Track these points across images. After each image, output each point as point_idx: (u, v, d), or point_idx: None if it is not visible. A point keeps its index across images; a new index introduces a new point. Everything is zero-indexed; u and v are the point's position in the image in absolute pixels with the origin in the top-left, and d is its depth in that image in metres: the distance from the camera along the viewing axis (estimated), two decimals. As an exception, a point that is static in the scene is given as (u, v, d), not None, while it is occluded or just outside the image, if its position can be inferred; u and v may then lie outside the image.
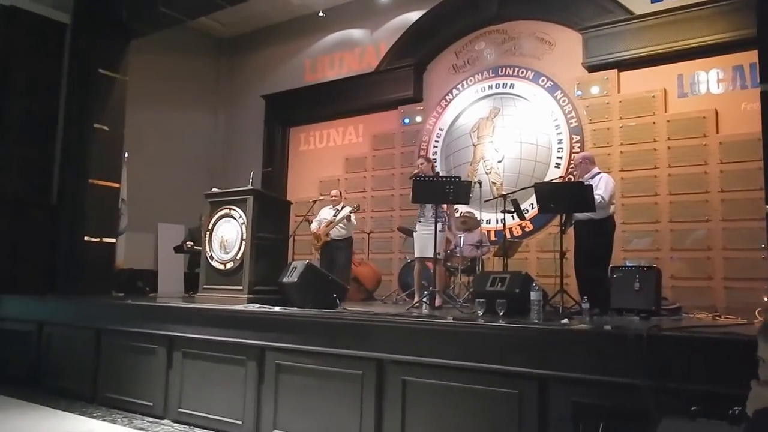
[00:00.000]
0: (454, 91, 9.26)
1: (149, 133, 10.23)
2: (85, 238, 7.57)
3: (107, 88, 8.20)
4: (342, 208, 7.53)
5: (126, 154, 8.82)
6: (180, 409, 5.04)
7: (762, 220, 6.59)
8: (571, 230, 5.80)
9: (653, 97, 7.55)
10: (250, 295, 5.26)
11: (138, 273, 8.14)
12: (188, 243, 8.39)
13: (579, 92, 8.11)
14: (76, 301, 6.51)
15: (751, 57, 6.95)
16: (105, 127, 8.11)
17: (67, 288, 7.29)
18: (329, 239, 7.38)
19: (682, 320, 5.15)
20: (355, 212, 7.40)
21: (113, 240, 7.98)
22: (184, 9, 8.19)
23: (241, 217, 5.45)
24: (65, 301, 6.57)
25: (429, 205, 5.94)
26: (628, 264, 6.15)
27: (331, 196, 7.81)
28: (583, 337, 3.44)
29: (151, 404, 5.25)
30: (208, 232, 5.70)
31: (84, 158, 7.91)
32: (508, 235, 7.14)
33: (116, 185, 8.17)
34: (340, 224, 7.35)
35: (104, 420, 5.12)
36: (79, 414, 5.31)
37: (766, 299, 5.95)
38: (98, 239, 7.78)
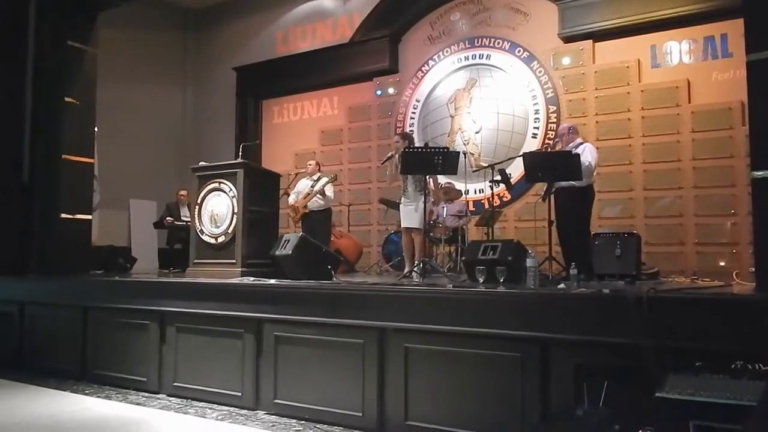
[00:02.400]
0: (430, 62, 9.28)
1: (118, 108, 9.99)
2: (62, 216, 7.39)
3: (77, 60, 7.89)
4: (319, 178, 7.47)
5: (96, 129, 8.59)
6: (176, 383, 5.04)
7: (732, 186, 6.92)
8: (551, 199, 5.94)
9: (627, 67, 7.72)
10: (244, 269, 5.27)
11: (117, 250, 8.00)
12: (168, 218, 8.29)
13: (554, 63, 8.23)
14: (60, 280, 6.39)
15: (721, 28, 7.19)
16: (76, 101, 7.86)
17: (45, 267, 7.13)
18: (307, 211, 7.37)
19: (663, 284, 5.37)
20: (332, 182, 7.37)
21: (89, 216, 7.80)
22: (155, -22, 7.96)
23: (231, 190, 5.42)
24: (48, 281, 6.44)
25: (411, 177, 6.02)
26: (609, 231, 6.37)
27: (308, 166, 7.77)
28: (583, 300, 3.56)
29: (144, 380, 5.24)
30: (197, 206, 5.65)
31: (56, 133, 7.66)
32: (488, 205, 7.28)
33: (90, 161, 7.94)
34: (317, 195, 7.34)
35: (98, 396, 5.10)
36: (71, 392, 5.27)
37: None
38: (73, 216, 7.60)
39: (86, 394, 5.18)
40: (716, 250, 6.95)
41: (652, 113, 7.49)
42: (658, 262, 6.92)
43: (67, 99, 7.74)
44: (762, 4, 3.74)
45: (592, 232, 6.25)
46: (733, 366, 2.70)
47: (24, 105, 7.82)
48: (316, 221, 7.29)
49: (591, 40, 7.97)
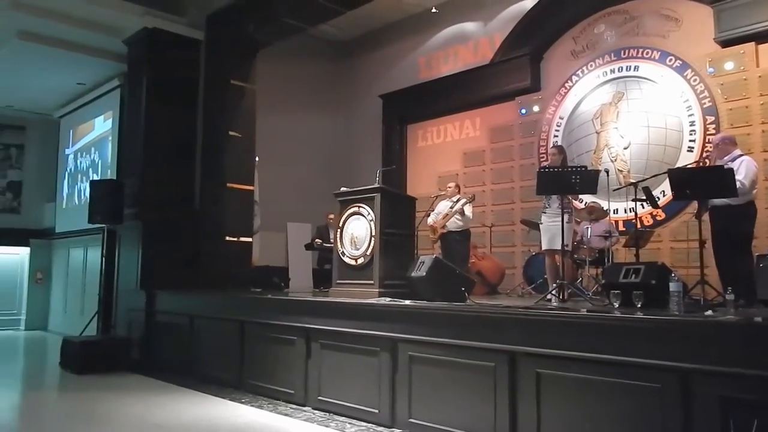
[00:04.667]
0: (574, 78, 9.02)
1: (275, 137, 10.78)
2: (226, 238, 8.19)
3: (239, 97, 8.80)
4: (458, 200, 7.58)
5: (257, 158, 9.41)
6: (320, 397, 5.34)
7: None
8: (706, 217, 5.49)
9: (799, 69, 6.97)
10: (381, 289, 5.48)
11: (272, 269, 8.64)
12: (317, 240, 8.81)
13: (712, 69, 7.62)
14: (222, 296, 7.07)
15: None
16: (238, 134, 8.71)
17: (211, 284, 7.92)
18: (446, 231, 7.47)
19: (842, 312, 4.75)
20: (470, 203, 7.42)
21: (250, 239, 8.56)
22: (306, 17, 8.60)
23: (369, 214, 5.68)
24: (212, 296, 7.14)
25: (554, 196, 5.89)
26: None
27: (448, 189, 7.88)
28: (730, 329, 3.29)
29: (292, 392, 5.60)
30: (339, 230, 5.99)
31: (221, 164, 8.55)
32: (638, 225, 6.89)
33: (251, 188, 8.75)
34: (456, 216, 7.41)
35: (252, 405, 5.54)
36: (229, 399, 5.78)
37: None
38: (237, 239, 8.39)
39: (242, 403, 5.65)
40: None
41: (831, 119, 6.67)
42: None
43: (230, 132, 8.64)
44: None
45: (758, 253, 5.69)
46: None
47: (196, 139, 8.81)
48: (454, 241, 7.37)
49: (753, 43, 7.28)
